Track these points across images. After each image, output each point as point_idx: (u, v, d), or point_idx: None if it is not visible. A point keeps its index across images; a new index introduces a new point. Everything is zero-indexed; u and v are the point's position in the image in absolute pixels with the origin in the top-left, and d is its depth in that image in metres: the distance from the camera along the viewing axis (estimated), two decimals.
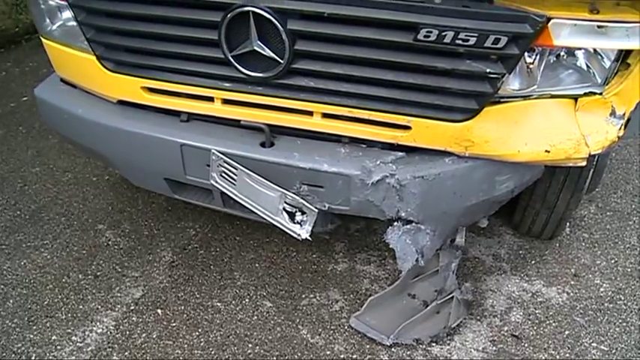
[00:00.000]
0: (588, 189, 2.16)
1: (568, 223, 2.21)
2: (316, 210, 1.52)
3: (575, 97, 1.45)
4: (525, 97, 1.43)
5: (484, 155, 1.46)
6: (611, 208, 2.32)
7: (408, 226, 1.54)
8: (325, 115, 1.52)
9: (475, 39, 1.24)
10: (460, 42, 1.25)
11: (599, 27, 1.26)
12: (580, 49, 1.41)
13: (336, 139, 1.57)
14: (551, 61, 1.44)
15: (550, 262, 2.04)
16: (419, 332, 1.72)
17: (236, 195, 1.64)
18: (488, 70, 1.29)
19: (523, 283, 1.95)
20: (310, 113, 1.53)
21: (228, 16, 1.39)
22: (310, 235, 1.55)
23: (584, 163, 1.47)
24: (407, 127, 1.45)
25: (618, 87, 1.43)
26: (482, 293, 1.90)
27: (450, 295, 1.76)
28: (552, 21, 1.24)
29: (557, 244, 2.12)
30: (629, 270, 2.01)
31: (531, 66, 1.40)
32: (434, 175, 1.47)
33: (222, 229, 2.23)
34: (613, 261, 2.05)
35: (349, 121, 1.51)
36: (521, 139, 1.43)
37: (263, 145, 1.58)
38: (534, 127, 1.44)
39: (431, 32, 1.25)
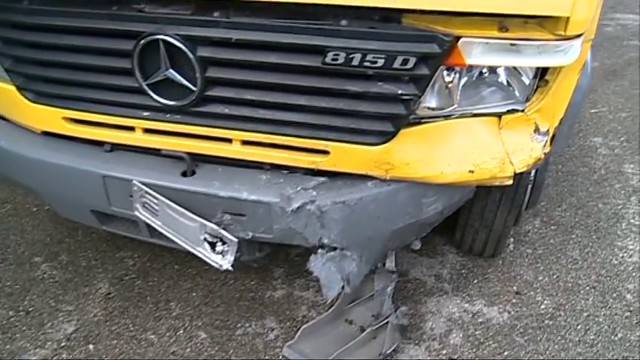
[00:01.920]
0: (529, 204, 2.16)
1: (512, 239, 2.21)
2: (236, 240, 1.48)
3: (499, 115, 1.45)
4: (446, 117, 1.42)
5: (406, 178, 1.44)
6: (555, 221, 2.32)
7: (332, 253, 1.51)
8: (244, 142, 1.49)
9: (383, 60, 1.22)
10: (368, 64, 1.23)
11: (511, 45, 1.25)
12: (497, 67, 1.40)
13: (259, 165, 1.54)
14: (472, 79, 1.43)
15: (492, 280, 2.02)
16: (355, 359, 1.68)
17: (159, 226, 1.59)
18: (400, 92, 1.27)
19: (464, 303, 1.92)
20: (229, 140, 1.50)
21: (140, 44, 1.36)
22: (233, 265, 1.51)
23: (510, 182, 1.46)
24: (325, 152, 1.43)
25: (539, 103, 1.42)
26: (421, 316, 1.87)
27: (386, 320, 1.72)
28: (462, 40, 1.22)
29: (501, 262, 2.10)
30: (570, 285, 2.00)
31: (450, 85, 1.39)
32: (355, 200, 1.44)
33: (160, 257, 2.17)
34: (555, 276, 2.04)
35: (268, 147, 1.48)
36: (444, 160, 1.42)
37: (185, 174, 1.55)
38: (457, 147, 1.42)
39: (338, 55, 1.23)
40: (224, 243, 1.52)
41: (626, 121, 3.12)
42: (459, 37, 1.22)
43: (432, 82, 1.31)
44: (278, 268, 2.09)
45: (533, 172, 1.96)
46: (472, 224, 1.94)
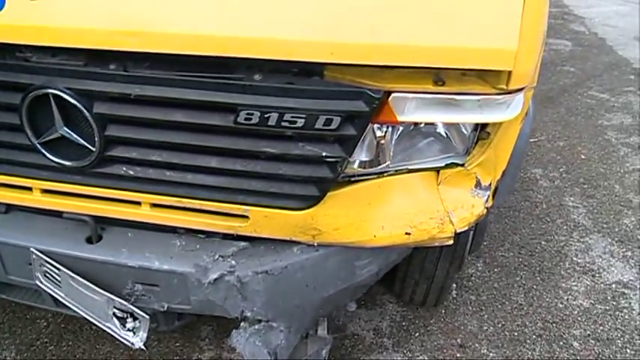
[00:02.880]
0: (472, 249, 2.08)
1: (455, 284, 2.12)
2: (148, 317, 1.31)
3: (437, 170, 1.34)
4: (379, 174, 1.30)
5: (336, 243, 1.31)
6: (498, 263, 2.25)
7: (257, 327, 1.36)
8: (155, 205, 1.32)
9: (303, 120, 1.08)
10: (287, 124, 1.09)
11: (449, 99, 1.15)
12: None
13: (173, 229, 1.37)
14: (407, 132, 1.32)
15: (435, 332, 1.92)
16: None
17: (63, 298, 1.40)
18: (324, 154, 1.14)
19: None
20: (138, 203, 1.32)
21: (28, 98, 1.17)
22: (146, 344, 1.33)
23: (451, 242, 1.36)
24: (245, 217, 1.28)
25: (480, 157, 1.32)
26: None
27: None
28: (392, 95, 1.10)
29: (443, 311, 2.01)
30: (515, 334, 1.92)
31: (382, 141, 1.27)
32: (280, 269, 1.30)
33: (76, 318, 1.94)
34: (500, 325, 1.96)
35: (181, 210, 1.31)
36: (377, 223, 1.29)
37: (90, 240, 1.36)
38: (391, 208, 1.30)
39: (252, 114, 1.09)
40: (135, 319, 1.35)
41: (564, 150, 3.13)
42: (389, 92, 1.10)
43: (361, 141, 1.19)
44: (206, 326, 1.91)
45: None
46: (412, 276, 1.83)
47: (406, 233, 1.30)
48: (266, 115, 1.08)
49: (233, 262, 1.30)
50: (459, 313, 2.00)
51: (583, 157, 3.05)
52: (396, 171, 1.31)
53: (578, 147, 3.15)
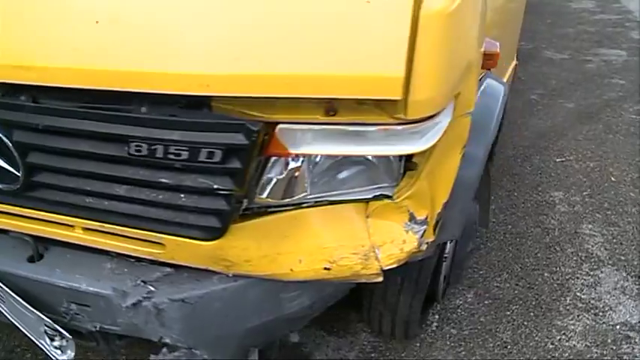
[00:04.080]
0: (450, 282, 1.96)
1: (437, 316, 2.00)
2: (71, 337, 1.34)
3: (367, 201, 1.27)
4: (298, 206, 1.25)
5: (252, 275, 1.27)
6: (491, 294, 2.10)
7: (177, 353, 1.34)
8: (86, 229, 1.35)
9: (187, 153, 1.06)
10: (173, 156, 1.08)
11: (350, 130, 1.08)
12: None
13: (107, 252, 1.40)
14: (328, 161, 1.26)
15: None
16: None
17: (7, 313, 1.46)
18: (215, 187, 1.11)
19: None
20: (72, 226, 1.36)
21: None
22: None
23: (380, 279, 1.28)
24: (161, 244, 1.27)
25: (410, 189, 1.24)
26: None
27: None
28: (279, 127, 1.06)
29: (419, 344, 1.89)
30: None
31: (297, 172, 1.22)
32: (197, 298, 1.28)
33: None
34: None
35: (109, 235, 1.33)
36: (294, 256, 1.24)
37: (31, 259, 1.42)
38: (309, 241, 1.25)
39: (141, 146, 1.09)
40: (62, 337, 1.39)
41: (593, 172, 2.87)
42: (276, 124, 1.06)
43: (261, 173, 1.16)
44: None
45: (450, 248, 1.77)
46: (375, 307, 1.74)
47: (325, 268, 1.24)
48: (153, 147, 1.08)
49: (152, 288, 1.30)
50: (434, 347, 1.88)
51: (613, 179, 2.78)
52: (316, 202, 1.26)
53: (610, 168, 2.88)
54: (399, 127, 1.04)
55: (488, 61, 1.36)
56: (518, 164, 2.96)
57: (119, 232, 1.31)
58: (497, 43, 1.41)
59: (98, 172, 1.19)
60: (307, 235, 1.25)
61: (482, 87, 1.63)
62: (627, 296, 2.05)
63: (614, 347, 1.85)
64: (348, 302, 1.69)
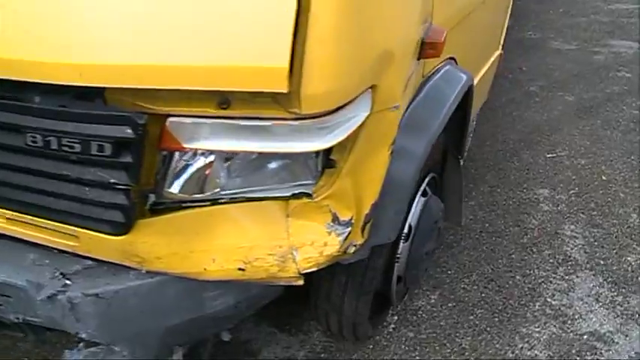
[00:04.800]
0: (407, 283, 1.87)
1: (397, 317, 1.92)
2: None
3: (289, 199, 1.20)
4: (213, 202, 1.19)
5: (166, 272, 1.21)
6: (456, 297, 2.00)
7: (94, 349, 1.30)
8: (9, 219, 1.30)
9: (79, 145, 1.01)
10: (67, 148, 1.02)
11: (246, 125, 1.00)
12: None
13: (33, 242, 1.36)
14: (245, 157, 1.18)
15: None
16: None
17: None
18: (112, 180, 1.05)
19: None
20: None
21: None
22: None
23: (301, 282, 1.21)
24: (76, 236, 1.22)
25: (330, 188, 1.16)
26: None
27: None
28: (169, 120, 1.00)
29: (372, 346, 1.81)
30: None
31: (208, 168, 1.15)
32: (112, 293, 1.22)
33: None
34: None
35: (30, 225, 1.29)
36: (207, 255, 1.17)
37: None
38: (223, 240, 1.18)
39: (35, 137, 1.03)
40: None
41: (584, 169, 2.73)
42: (168, 116, 0.99)
43: (167, 167, 1.09)
44: None
45: (403, 249, 1.69)
46: (321, 306, 1.67)
47: (239, 269, 1.17)
48: (47, 139, 1.02)
49: (68, 281, 1.24)
50: (388, 350, 1.80)
51: (604, 178, 2.63)
52: (231, 199, 1.19)
53: (602, 166, 2.73)
54: (296, 123, 0.96)
55: (430, 50, 1.25)
56: (505, 159, 2.83)
57: (37, 223, 1.27)
58: (444, 31, 1.30)
59: (4, 162, 1.15)
60: (221, 233, 1.18)
61: (437, 77, 1.53)
62: (600, 304, 1.94)
63: (578, 358, 1.74)
64: (303, 298, 1.64)
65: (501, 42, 2.54)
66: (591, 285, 2.02)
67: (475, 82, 2.09)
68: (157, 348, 1.39)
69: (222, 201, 1.19)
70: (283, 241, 1.17)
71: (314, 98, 0.92)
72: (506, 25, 2.71)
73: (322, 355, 1.79)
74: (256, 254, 1.17)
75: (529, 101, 3.43)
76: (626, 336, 1.82)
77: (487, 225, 2.36)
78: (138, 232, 1.16)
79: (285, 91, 0.89)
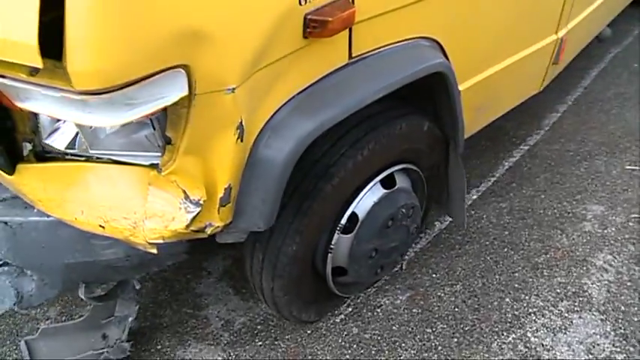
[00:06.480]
0: (355, 278, 1.73)
1: (351, 309, 1.80)
2: None
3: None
4: (88, 159, 1.24)
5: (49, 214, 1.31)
6: (426, 304, 1.79)
7: (8, 268, 1.47)
8: None
9: None
10: None
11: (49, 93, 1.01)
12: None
13: None
14: None
15: (278, 349, 1.70)
16: None
17: None
18: None
19: None
20: None
21: None
22: None
23: (153, 251, 1.22)
24: None
25: (173, 164, 1.13)
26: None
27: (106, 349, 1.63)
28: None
29: (310, 331, 1.74)
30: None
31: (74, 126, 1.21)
32: (17, 224, 1.37)
33: None
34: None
35: None
36: (77, 206, 1.24)
37: None
38: (88, 195, 1.24)
39: None
40: None
41: None
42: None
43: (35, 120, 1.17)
44: None
45: (340, 241, 1.56)
46: (250, 279, 1.64)
47: (100, 225, 1.23)
48: None
49: None
50: (323, 340, 1.70)
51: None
52: (98, 158, 1.22)
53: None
54: (78, 97, 0.94)
55: (315, 29, 1.09)
56: (572, 162, 2.38)
57: None
58: (348, 9, 1.12)
59: None
60: (86, 188, 1.24)
61: (370, 59, 1.33)
62: (591, 357, 1.58)
63: None
64: None
65: (561, 25, 2.05)
66: (592, 331, 1.65)
67: (486, 73, 1.77)
68: (61, 281, 1.53)
69: (94, 159, 1.23)
70: (138, 208, 1.19)
71: (83, 75, 0.90)
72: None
73: (258, 327, 1.79)
74: (114, 215, 1.21)
75: (632, 101, 2.79)
76: None
77: (506, 233, 2.04)
78: (21, 175, 1.27)
79: (39, 66, 0.89)
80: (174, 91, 0.98)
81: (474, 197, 2.27)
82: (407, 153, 1.64)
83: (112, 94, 0.93)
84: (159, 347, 1.72)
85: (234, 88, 1.03)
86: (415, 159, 1.70)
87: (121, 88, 0.93)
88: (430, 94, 1.63)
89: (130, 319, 1.67)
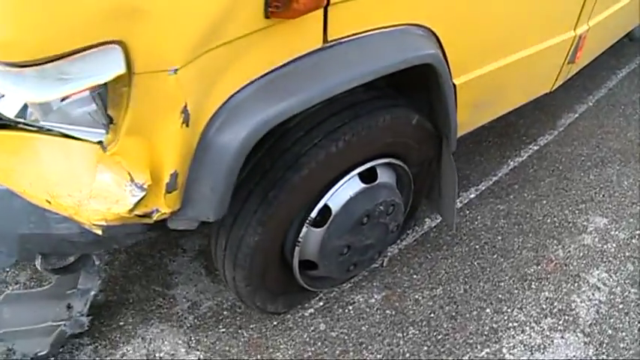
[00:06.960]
0: (326, 273, 1.65)
1: (322, 303, 1.73)
2: None
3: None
4: (39, 129, 1.17)
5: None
6: (401, 306, 1.71)
7: None
8: None
9: None
10: None
11: None
12: None
13: None
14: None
15: (241, 337, 1.65)
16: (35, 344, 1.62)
17: None
18: None
19: (182, 347, 1.62)
20: None
21: None
22: None
23: (98, 232, 1.16)
24: None
25: (116, 145, 1.06)
26: (125, 340, 1.64)
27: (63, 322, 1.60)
28: None
29: (276, 323, 1.68)
30: None
31: None
32: None
33: None
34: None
35: None
36: (25, 178, 1.19)
37: None
38: (36, 168, 1.18)
39: None
40: None
41: None
42: None
43: None
44: None
45: (309, 234, 1.48)
46: (217, 267, 1.58)
47: (46, 200, 1.17)
48: None
49: None
50: (288, 334, 1.65)
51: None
52: (48, 130, 1.15)
53: None
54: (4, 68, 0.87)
55: (279, 9, 0.98)
56: (582, 168, 2.23)
57: None
58: None
59: None
60: (34, 160, 1.18)
61: (345, 45, 1.21)
62: None
63: None
64: None
65: (581, 21, 1.88)
66: (572, 354, 1.55)
67: (488, 68, 1.63)
68: (18, 250, 1.48)
69: (45, 131, 1.17)
70: (85, 187, 1.13)
71: (3, 46, 0.84)
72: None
73: (224, 313, 1.73)
74: (60, 191, 1.15)
75: None
76: None
77: (499, 238, 1.93)
78: None
79: None
80: (109, 68, 0.91)
81: (472, 196, 2.15)
82: (392, 147, 1.54)
83: (43, 67, 0.86)
84: (121, 324, 1.69)
85: (177, 69, 0.94)
86: (402, 154, 1.60)
87: (52, 61, 0.85)
88: (427, 86, 1.51)
89: (92, 292, 1.63)
